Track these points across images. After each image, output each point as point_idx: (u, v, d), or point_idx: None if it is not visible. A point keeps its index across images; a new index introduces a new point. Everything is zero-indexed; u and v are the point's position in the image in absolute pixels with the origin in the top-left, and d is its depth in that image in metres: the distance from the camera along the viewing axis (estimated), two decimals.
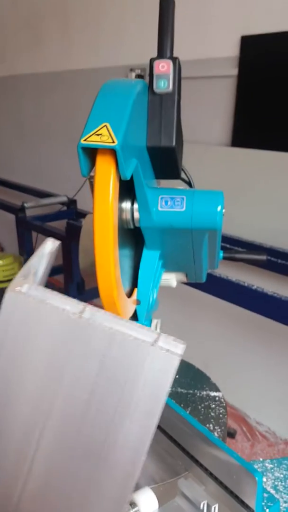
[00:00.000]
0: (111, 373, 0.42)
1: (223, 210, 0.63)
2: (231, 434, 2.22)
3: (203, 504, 0.61)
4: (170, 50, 0.62)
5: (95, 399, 0.43)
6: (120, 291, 0.58)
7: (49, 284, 1.51)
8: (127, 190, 0.62)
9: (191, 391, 1.03)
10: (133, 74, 2.56)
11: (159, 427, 0.75)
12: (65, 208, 2.95)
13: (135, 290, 0.71)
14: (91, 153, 0.52)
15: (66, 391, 0.44)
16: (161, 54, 0.62)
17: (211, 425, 0.92)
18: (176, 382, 1.05)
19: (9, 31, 3.53)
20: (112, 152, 0.50)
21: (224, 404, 0.99)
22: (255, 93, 2.03)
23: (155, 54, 0.62)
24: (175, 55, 0.62)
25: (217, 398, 1.01)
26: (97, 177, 0.51)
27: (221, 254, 0.89)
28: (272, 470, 0.80)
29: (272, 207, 2.04)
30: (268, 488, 0.77)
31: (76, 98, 3.07)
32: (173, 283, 0.83)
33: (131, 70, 2.57)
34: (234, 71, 2.07)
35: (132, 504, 0.61)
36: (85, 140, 0.50)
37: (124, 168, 0.51)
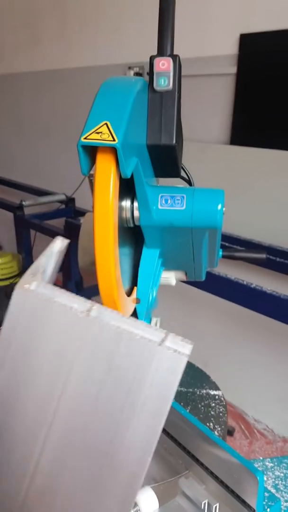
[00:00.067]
0: (118, 372, 0.42)
1: (224, 209, 0.63)
2: (230, 432, 2.22)
3: (204, 504, 0.61)
4: (171, 48, 0.61)
5: (102, 398, 0.43)
6: (120, 290, 0.58)
7: None
8: (126, 188, 0.62)
9: (190, 390, 1.03)
10: (131, 72, 2.56)
11: None
12: (63, 206, 2.94)
13: (135, 288, 0.70)
14: (91, 151, 0.52)
15: (73, 389, 0.43)
16: (161, 52, 0.61)
17: (211, 423, 0.92)
18: None
19: (7, 29, 3.52)
20: (113, 150, 0.50)
21: (224, 403, 0.99)
22: (254, 91, 2.03)
23: (153, 52, 0.62)
24: (174, 53, 0.62)
25: (217, 397, 1.00)
26: (97, 176, 0.51)
27: (221, 253, 0.89)
28: (273, 469, 0.80)
29: (270, 206, 2.04)
30: (269, 487, 0.76)
31: (74, 96, 3.06)
32: (173, 281, 0.83)
33: (129, 68, 2.56)
34: (233, 69, 2.07)
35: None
36: (85, 138, 0.50)
37: (124, 167, 0.50)
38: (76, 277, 2.53)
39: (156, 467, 0.70)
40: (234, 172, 2.15)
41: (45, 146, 3.48)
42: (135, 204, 0.64)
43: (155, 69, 0.60)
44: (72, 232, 2.37)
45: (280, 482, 0.77)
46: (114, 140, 0.49)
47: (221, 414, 0.95)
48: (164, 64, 0.60)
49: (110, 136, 0.49)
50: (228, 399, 1.99)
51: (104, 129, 0.50)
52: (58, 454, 0.44)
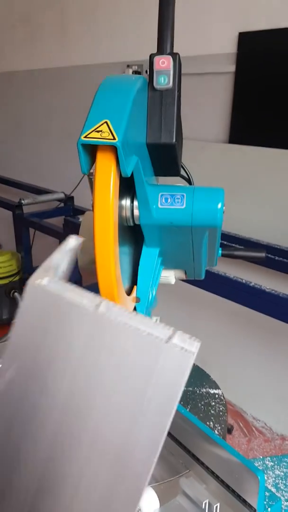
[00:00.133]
0: (125, 369, 0.42)
1: (224, 208, 0.63)
2: (228, 430, 2.22)
3: (205, 503, 0.61)
4: (170, 46, 0.61)
5: (109, 394, 0.42)
6: (120, 289, 0.58)
7: None
8: (126, 187, 0.62)
9: (190, 389, 1.02)
10: (130, 71, 2.55)
11: None
12: (62, 205, 2.94)
13: (135, 287, 0.70)
14: (91, 150, 0.51)
15: (81, 384, 0.43)
16: (161, 50, 0.61)
17: (211, 422, 0.92)
18: None
19: (5, 27, 3.51)
20: (113, 149, 0.50)
21: (224, 402, 0.99)
22: (253, 90, 2.03)
23: (152, 50, 0.62)
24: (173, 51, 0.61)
25: (216, 396, 1.00)
26: (97, 174, 0.51)
27: (220, 251, 0.89)
28: (273, 468, 0.79)
29: (269, 204, 2.04)
30: (269, 487, 0.76)
31: (73, 94, 3.05)
32: (172, 280, 0.83)
33: (128, 66, 2.56)
34: (232, 68, 2.06)
35: None
36: (85, 136, 0.50)
37: (125, 165, 0.50)
38: (75, 276, 2.53)
39: (156, 467, 0.69)
40: (232, 170, 2.14)
41: (44, 144, 3.47)
42: (135, 203, 0.63)
43: (155, 67, 0.60)
44: (71, 230, 2.37)
45: (280, 481, 0.77)
46: (114, 138, 0.49)
47: (221, 413, 0.95)
48: (164, 62, 0.60)
49: (110, 134, 0.49)
50: (226, 396, 2.00)
51: (104, 127, 0.50)
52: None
